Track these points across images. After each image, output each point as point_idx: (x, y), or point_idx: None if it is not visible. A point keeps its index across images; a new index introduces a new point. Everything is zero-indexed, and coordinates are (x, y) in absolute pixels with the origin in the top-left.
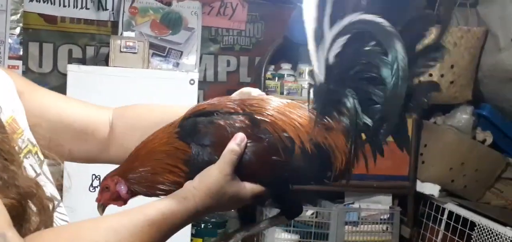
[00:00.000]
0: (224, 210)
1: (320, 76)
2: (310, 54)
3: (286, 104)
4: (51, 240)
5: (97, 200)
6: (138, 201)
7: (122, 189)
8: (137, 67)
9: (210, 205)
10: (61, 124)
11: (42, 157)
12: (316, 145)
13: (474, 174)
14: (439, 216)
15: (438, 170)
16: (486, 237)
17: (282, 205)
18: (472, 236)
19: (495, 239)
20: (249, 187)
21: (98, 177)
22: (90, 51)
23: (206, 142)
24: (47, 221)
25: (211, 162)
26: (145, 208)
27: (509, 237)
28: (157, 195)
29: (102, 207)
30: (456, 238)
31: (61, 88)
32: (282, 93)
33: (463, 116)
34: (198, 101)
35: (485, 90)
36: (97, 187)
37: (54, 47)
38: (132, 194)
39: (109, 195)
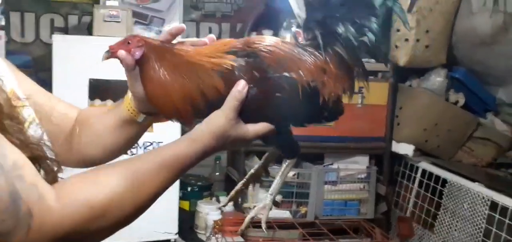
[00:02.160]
0: (230, 149)
1: (302, 14)
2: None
3: (281, 42)
4: (77, 184)
5: (110, 46)
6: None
7: (138, 54)
8: (121, 36)
9: (215, 146)
10: (47, 114)
11: (41, 129)
12: (314, 85)
13: (447, 134)
14: (413, 174)
15: (413, 130)
16: (457, 193)
17: (282, 145)
18: (444, 192)
19: (464, 194)
20: (252, 129)
21: None
22: (72, 20)
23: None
24: (53, 182)
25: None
26: (161, 151)
27: (477, 192)
28: (157, 101)
29: (108, 55)
30: (428, 195)
31: (45, 57)
32: None
33: (437, 79)
34: None
35: (459, 53)
36: None
37: (36, 17)
38: (138, 64)
39: (124, 47)
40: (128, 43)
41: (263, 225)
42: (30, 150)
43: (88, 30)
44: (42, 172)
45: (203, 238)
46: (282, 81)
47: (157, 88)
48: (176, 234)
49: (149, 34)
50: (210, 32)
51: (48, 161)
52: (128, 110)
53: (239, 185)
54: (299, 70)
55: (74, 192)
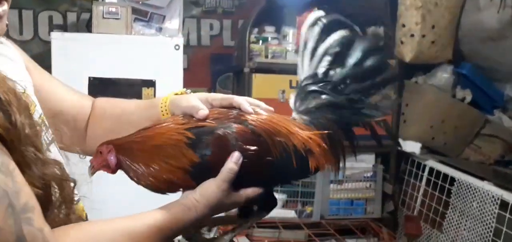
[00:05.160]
0: (219, 213)
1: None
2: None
3: (274, 114)
4: (77, 237)
5: (90, 161)
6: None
7: (112, 160)
8: (121, 33)
9: (209, 214)
10: (58, 109)
11: (51, 136)
12: (301, 149)
13: (454, 131)
14: (420, 173)
15: (419, 128)
16: (465, 192)
17: (264, 200)
18: (452, 191)
19: (473, 193)
20: (244, 194)
21: None
22: (71, 17)
23: (208, 153)
24: (68, 200)
25: (212, 171)
26: (156, 214)
27: (487, 190)
28: (141, 184)
29: (92, 170)
30: (436, 193)
31: (44, 55)
32: (266, 57)
33: (444, 75)
34: (183, 66)
35: (465, 49)
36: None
37: (34, 14)
38: (120, 167)
39: (100, 160)
40: (100, 153)
41: None
42: (43, 177)
43: (87, 27)
44: (57, 191)
45: (207, 237)
46: (274, 152)
47: (143, 180)
48: (178, 240)
49: (149, 30)
50: (211, 28)
51: (65, 181)
52: (163, 115)
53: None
54: (291, 141)
55: None
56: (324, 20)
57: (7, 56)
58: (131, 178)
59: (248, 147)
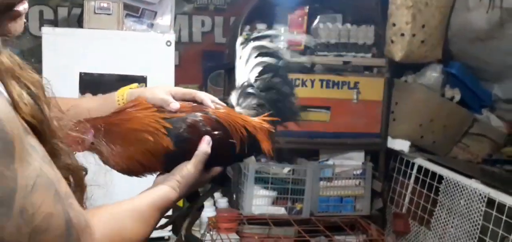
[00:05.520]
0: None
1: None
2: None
3: (228, 107)
4: (108, 217)
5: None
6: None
7: (88, 138)
8: (112, 29)
9: (187, 192)
10: None
11: None
12: (253, 132)
13: (443, 130)
14: (408, 171)
15: (408, 126)
16: (453, 190)
17: (221, 177)
18: (440, 189)
19: (461, 191)
20: (211, 172)
21: None
22: (62, 12)
23: (183, 139)
24: (82, 188)
25: (185, 156)
26: (153, 194)
27: (474, 188)
28: (109, 165)
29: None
30: (424, 191)
31: (34, 50)
32: None
33: (433, 74)
34: (175, 63)
35: (454, 49)
36: None
37: None
38: (92, 148)
39: (73, 137)
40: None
41: (183, 231)
42: (67, 168)
43: (78, 22)
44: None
45: (198, 235)
46: (234, 135)
47: (113, 161)
48: (170, 230)
49: (141, 26)
50: (202, 25)
51: (80, 169)
52: (119, 103)
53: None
54: (246, 126)
55: (108, 224)
56: (253, 44)
57: None
58: (101, 159)
59: (215, 132)
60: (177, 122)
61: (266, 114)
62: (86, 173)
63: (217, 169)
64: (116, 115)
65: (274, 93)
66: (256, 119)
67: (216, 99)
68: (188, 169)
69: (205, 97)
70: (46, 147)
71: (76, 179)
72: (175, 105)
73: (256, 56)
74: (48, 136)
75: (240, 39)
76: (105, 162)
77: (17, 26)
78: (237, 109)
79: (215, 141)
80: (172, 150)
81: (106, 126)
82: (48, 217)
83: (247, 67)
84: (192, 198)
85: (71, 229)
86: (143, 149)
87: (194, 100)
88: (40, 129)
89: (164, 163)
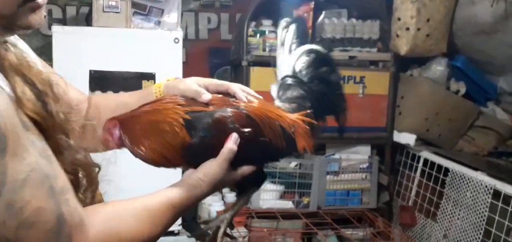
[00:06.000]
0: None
1: (284, 73)
2: (281, 60)
3: (264, 101)
4: (106, 216)
5: (102, 140)
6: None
7: (116, 133)
8: (120, 27)
9: (210, 191)
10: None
11: None
12: (289, 130)
13: (448, 123)
14: (415, 164)
15: (414, 120)
16: (459, 182)
17: (256, 178)
18: (446, 181)
19: (467, 183)
20: (240, 172)
21: None
22: (70, 11)
23: (208, 135)
24: (93, 184)
25: (210, 152)
26: (169, 192)
27: (480, 180)
28: (138, 156)
29: (103, 148)
30: (431, 184)
31: (45, 49)
32: (264, 50)
33: (438, 68)
34: (182, 60)
35: (459, 42)
36: None
37: None
38: (123, 142)
39: (108, 136)
40: (109, 129)
41: (219, 239)
42: (73, 163)
43: (86, 21)
44: (84, 176)
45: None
46: (266, 133)
47: (138, 151)
48: (179, 225)
49: (148, 24)
50: (208, 22)
51: (91, 166)
52: (156, 96)
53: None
54: (280, 123)
55: (107, 223)
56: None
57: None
58: (131, 152)
59: (244, 129)
60: (204, 116)
61: (306, 111)
62: (99, 169)
63: (246, 169)
64: (141, 108)
65: (321, 84)
66: (295, 115)
67: (252, 92)
68: (212, 167)
69: (238, 90)
70: (50, 142)
71: (87, 175)
72: (207, 96)
73: (300, 44)
74: (52, 131)
75: (283, 23)
76: (135, 155)
77: (37, 18)
78: (277, 102)
79: (244, 139)
80: (190, 143)
81: (131, 119)
82: (37, 211)
83: (291, 57)
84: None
85: (62, 224)
86: (162, 140)
87: (228, 93)
88: (44, 124)
89: (186, 157)
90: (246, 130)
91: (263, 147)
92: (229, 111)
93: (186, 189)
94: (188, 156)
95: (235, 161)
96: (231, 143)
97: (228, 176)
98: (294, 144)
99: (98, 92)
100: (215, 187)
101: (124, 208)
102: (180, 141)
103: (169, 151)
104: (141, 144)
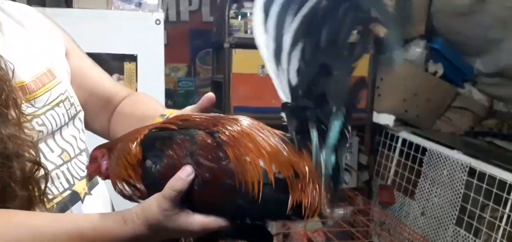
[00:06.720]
0: (170, 238)
1: (286, 99)
2: (273, 80)
3: (258, 125)
4: None
5: (86, 168)
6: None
7: (104, 164)
8: (101, 8)
9: (149, 235)
10: (93, 91)
11: (78, 108)
12: (280, 178)
13: (426, 104)
14: (393, 144)
15: (393, 101)
16: (436, 161)
17: (247, 238)
18: (423, 160)
19: (444, 162)
20: (199, 221)
21: None
22: None
23: (158, 161)
24: (25, 179)
25: (163, 184)
26: (79, 219)
27: (456, 159)
28: (116, 190)
29: (88, 177)
30: (409, 163)
31: None
32: (246, 32)
33: (417, 50)
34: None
35: (437, 24)
36: None
37: None
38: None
39: (95, 166)
40: (95, 158)
41: None
42: (4, 146)
43: (66, 2)
44: (18, 170)
45: None
46: (237, 175)
47: (113, 183)
48: None
49: (129, 6)
50: (190, 4)
51: (28, 162)
52: None
53: None
54: (264, 160)
55: None
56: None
57: (24, 25)
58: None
59: (205, 163)
60: (159, 137)
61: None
62: (39, 167)
63: (210, 221)
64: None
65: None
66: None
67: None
68: (151, 204)
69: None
70: None
71: (22, 170)
72: (210, 94)
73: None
74: None
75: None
76: (115, 189)
77: None
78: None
79: (202, 176)
80: (142, 163)
81: (115, 146)
82: None
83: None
84: None
85: None
86: (123, 161)
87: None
88: None
89: (144, 185)
90: (208, 164)
91: (230, 194)
92: (196, 134)
93: (111, 221)
94: (149, 185)
95: (191, 206)
96: (178, 178)
97: (173, 220)
98: (284, 201)
99: None
100: (155, 230)
101: (8, 221)
102: (133, 158)
103: (129, 174)
104: (112, 173)
